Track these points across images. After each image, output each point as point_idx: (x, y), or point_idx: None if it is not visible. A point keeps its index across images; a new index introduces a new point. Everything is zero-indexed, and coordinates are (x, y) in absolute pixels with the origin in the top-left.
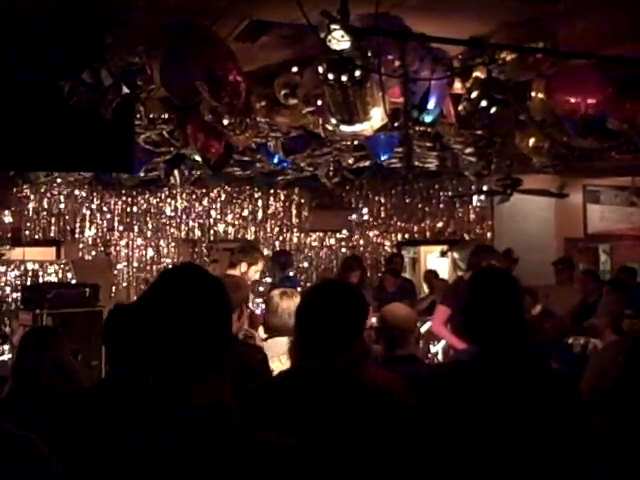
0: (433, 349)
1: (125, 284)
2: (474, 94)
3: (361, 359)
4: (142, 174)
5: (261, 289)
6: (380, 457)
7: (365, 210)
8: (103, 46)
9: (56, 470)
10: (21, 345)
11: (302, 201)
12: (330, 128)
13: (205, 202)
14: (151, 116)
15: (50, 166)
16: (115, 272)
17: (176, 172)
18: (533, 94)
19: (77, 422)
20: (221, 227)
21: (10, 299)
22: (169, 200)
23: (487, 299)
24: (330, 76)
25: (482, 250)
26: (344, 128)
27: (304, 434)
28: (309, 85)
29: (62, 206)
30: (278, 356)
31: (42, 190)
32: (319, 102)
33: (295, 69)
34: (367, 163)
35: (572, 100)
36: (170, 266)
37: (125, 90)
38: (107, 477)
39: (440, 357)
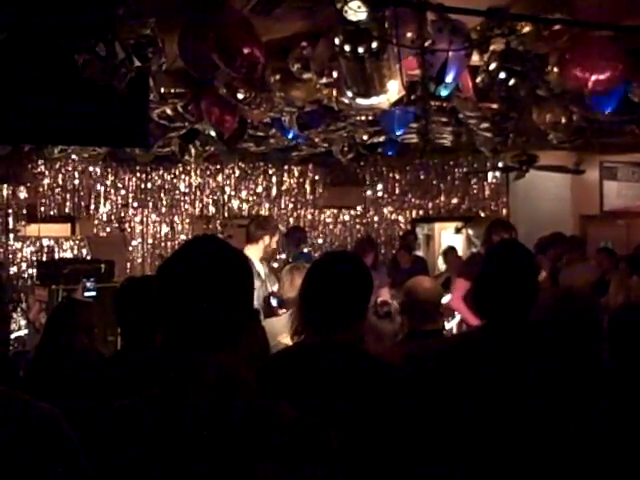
0: (448, 325)
1: (140, 260)
2: (492, 66)
3: (362, 338)
4: (156, 150)
5: (275, 265)
6: (391, 432)
7: (380, 186)
8: (114, 18)
9: (75, 443)
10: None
11: (316, 177)
12: (346, 101)
13: (219, 178)
14: (164, 90)
15: (64, 140)
16: (130, 248)
17: (190, 148)
18: (551, 67)
19: (92, 394)
20: (235, 203)
21: (26, 275)
22: (183, 176)
23: (500, 271)
24: (346, 48)
25: (497, 225)
26: (360, 101)
27: (313, 412)
28: (324, 58)
29: (77, 182)
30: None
31: (57, 166)
32: (334, 75)
33: (309, 42)
34: (382, 139)
35: (587, 75)
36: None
37: (138, 63)
38: (123, 450)
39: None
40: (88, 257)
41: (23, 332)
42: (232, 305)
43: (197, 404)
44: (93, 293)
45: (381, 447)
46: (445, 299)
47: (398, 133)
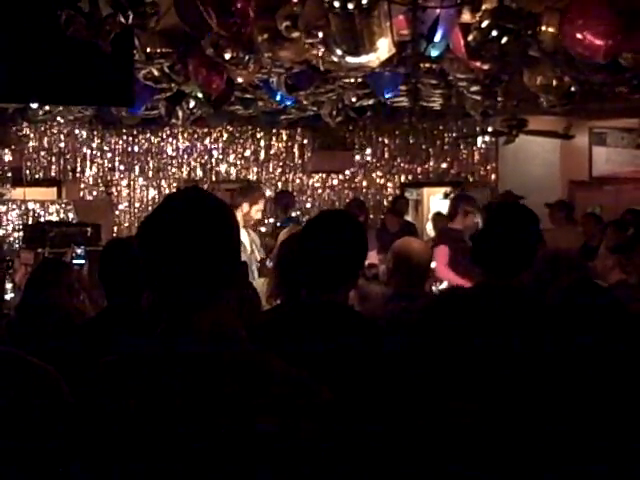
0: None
1: (127, 224)
2: (485, 23)
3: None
4: (143, 113)
5: (263, 230)
6: (384, 385)
7: (368, 151)
8: None
9: (69, 399)
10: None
11: (305, 141)
12: (335, 60)
13: (207, 142)
14: (150, 50)
15: (47, 99)
16: (117, 212)
17: (178, 110)
18: (544, 27)
19: (77, 354)
20: (223, 167)
21: (12, 238)
22: (170, 140)
23: (504, 228)
24: (336, 4)
25: (462, 199)
26: (349, 59)
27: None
28: (313, 15)
29: (62, 145)
30: None
31: (42, 129)
32: (323, 33)
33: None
34: (371, 101)
35: (585, 38)
36: None
37: (123, 20)
38: (110, 408)
39: None
40: (74, 221)
41: (9, 296)
42: (219, 257)
43: (187, 358)
44: (82, 261)
45: (367, 401)
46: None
47: (387, 95)
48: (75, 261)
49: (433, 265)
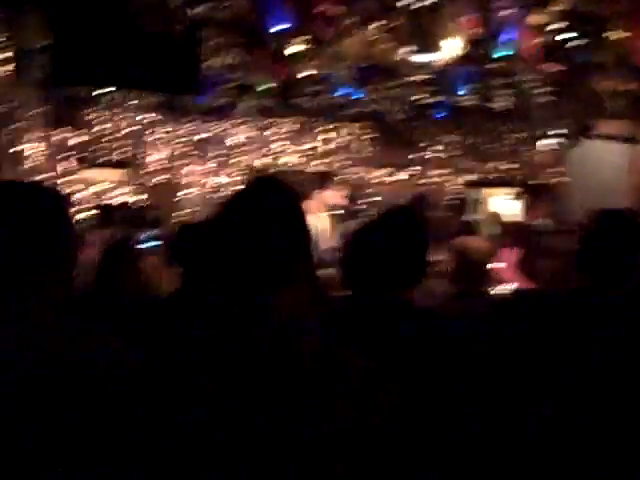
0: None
1: (189, 210)
2: (553, 26)
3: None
4: (210, 101)
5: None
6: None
7: (431, 148)
8: None
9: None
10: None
11: (368, 136)
12: (403, 57)
13: (269, 132)
14: (218, 42)
15: (120, 83)
16: (178, 199)
17: (242, 100)
18: (611, 32)
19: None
20: (284, 159)
21: (81, 218)
22: (235, 129)
23: (612, 235)
24: (403, 2)
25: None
26: (417, 57)
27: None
28: (381, 12)
29: (132, 130)
30: None
31: (113, 113)
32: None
33: None
34: (438, 99)
35: None
36: None
37: (192, 12)
38: (194, 388)
39: None
40: (137, 205)
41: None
42: (287, 245)
43: (261, 347)
44: (157, 242)
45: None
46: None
47: (460, 92)
48: (148, 244)
49: (498, 265)
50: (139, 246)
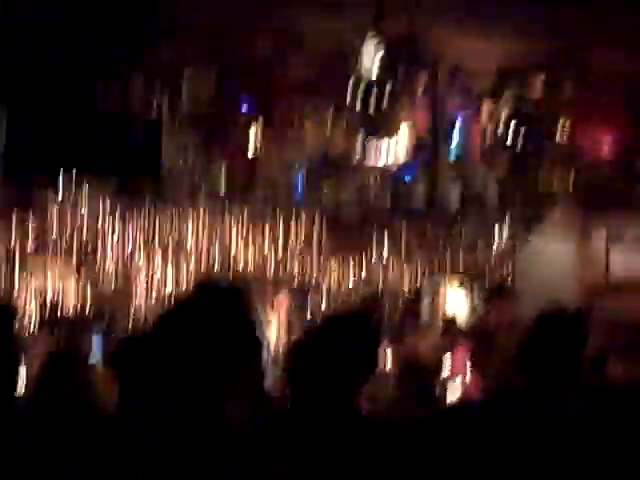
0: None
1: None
2: (500, 125)
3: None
4: (166, 194)
5: None
6: None
7: (386, 246)
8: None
9: None
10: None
11: (324, 232)
12: (357, 151)
13: (227, 226)
14: (177, 136)
15: (78, 171)
16: (134, 294)
17: (199, 194)
18: (560, 128)
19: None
20: (241, 254)
21: (28, 315)
22: (192, 222)
23: (555, 337)
24: (359, 96)
25: (499, 292)
26: (371, 146)
27: None
28: (336, 106)
29: (84, 220)
30: None
31: (67, 200)
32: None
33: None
34: (390, 198)
35: (603, 140)
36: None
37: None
38: None
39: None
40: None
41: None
42: (231, 355)
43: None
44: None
45: None
46: (447, 362)
47: (407, 179)
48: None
49: (449, 364)
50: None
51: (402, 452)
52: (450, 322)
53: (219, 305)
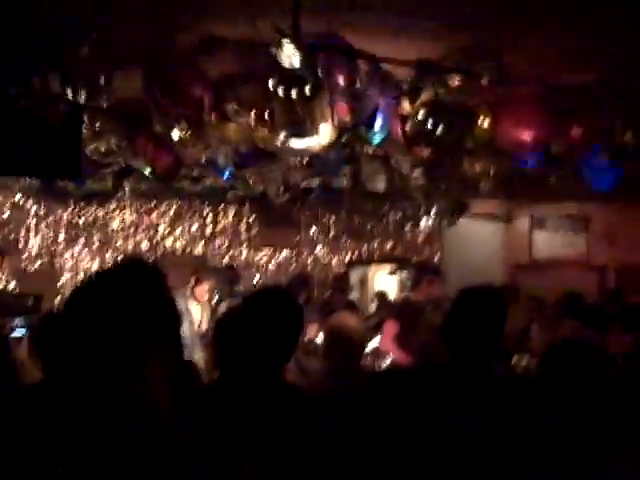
0: (382, 365)
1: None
2: (420, 115)
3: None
4: (90, 186)
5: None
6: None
7: (314, 229)
8: (63, 54)
9: None
10: None
11: (251, 218)
12: (279, 143)
13: (154, 216)
14: (99, 126)
15: None
16: (60, 284)
17: (125, 184)
18: (479, 121)
19: None
20: (169, 242)
21: None
22: (117, 212)
23: (475, 312)
24: (280, 91)
25: (426, 270)
26: (293, 143)
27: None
28: (258, 99)
29: (7, 215)
30: None
31: None
32: (267, 116)
33: (244, 83)
34: (316, 181)
35: (517, 135)
36: None
37: (73, 98)
38: None
39: None
40: (16, 291)
41: None
42: (148, 328)
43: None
44: (23, 330)
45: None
46: (376, 341)
47: (338, 175)
48: (15, 333)
49: (378, 340)
50: (11, 334)
51: (326, 420)
52: (380, 296)
53: (134, 280)
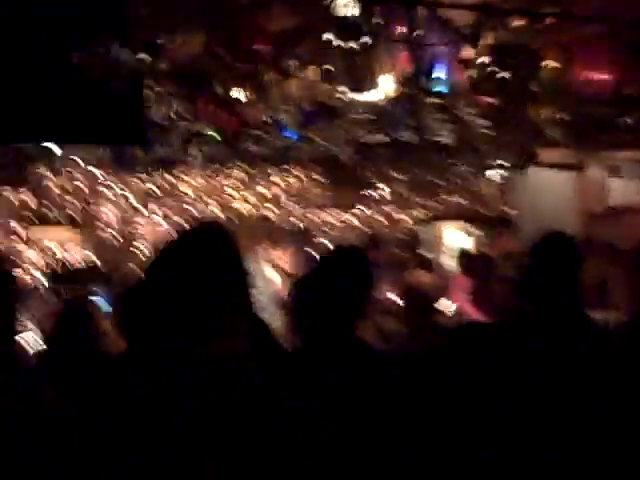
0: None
1: (144, 262)
2: (482, 59)
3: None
4: (158, 151)
5: None
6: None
7: (382, 185)
8: (125, 18)
9: None
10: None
11: (319, 177)
12: (341, 98)
13: (222, 179)
14: (162, 90)
15: (62, 138)
16: (134, 250)
17: (191, 148)
18: (545, 62)
19: None
20: (238, 205)
21: (32, 278)
22: (186, 177)
23: (549, 264)
24: (337, 43)
25: (500, 225)
26: (354, 96)
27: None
28: (318, 54)
29: (80, 185)
30: None
31: (60, 169)
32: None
33: (301, 38)
34: (382, 137)
35: (592, 76)
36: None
37: (135, 63)
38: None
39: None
40: (92, 260)
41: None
42: (226, 291)
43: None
44: (101, 300)
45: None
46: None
47: (402, 129)
48: (99, 303)
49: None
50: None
51: (404, 380)
52: (463, 254)
53: (204, 241)
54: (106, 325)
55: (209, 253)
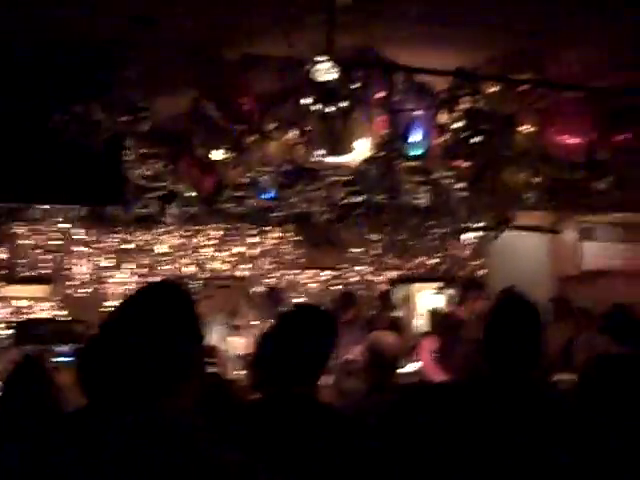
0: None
1: None
2: (458, 124)
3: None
4: (136, 211)
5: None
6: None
7: (357, 247)
8: (110, 79)
9: None
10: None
11: (295, 238)
12: (316, 159)
13: (199, 239)
14: (143, 151)
15: (42, 199)
16: (107, 309)
17: (170, 208)
18: (520, 128)
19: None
20: (215, 265)
21: (3, 336)
22: (163, 237)
23: (510, 326)
24: (315, 107)
25: (471, 286)
26: (330, 159)
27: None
28: (297, 117)
29: (56, 243)
30: None
31: (35, 227)
32: (304, 134)
33: (281, 102)
34: (359, 198)
35: (566, 140)
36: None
37: (115, 124)
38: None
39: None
40: (64, 318)
41: None
42: (174, 351)
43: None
44: (69, 359)
45: None
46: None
47: (379, 191)
48: (60, 359)
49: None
50: (56, 360)
51: (359, 436)
52: (434, 314)
53: (159, 300)
54: (65, 380)
55: (163, 311)
